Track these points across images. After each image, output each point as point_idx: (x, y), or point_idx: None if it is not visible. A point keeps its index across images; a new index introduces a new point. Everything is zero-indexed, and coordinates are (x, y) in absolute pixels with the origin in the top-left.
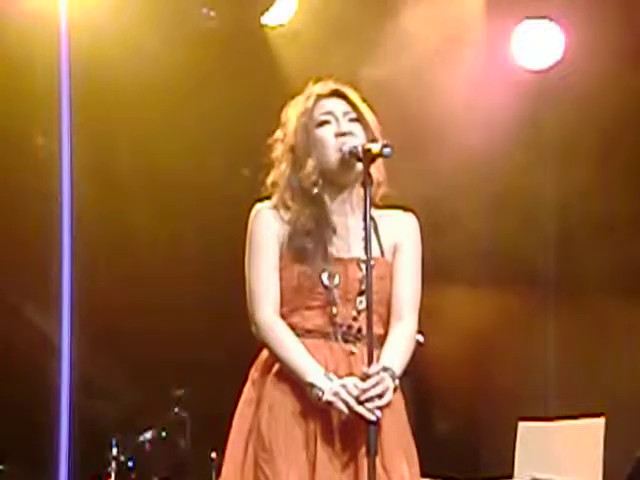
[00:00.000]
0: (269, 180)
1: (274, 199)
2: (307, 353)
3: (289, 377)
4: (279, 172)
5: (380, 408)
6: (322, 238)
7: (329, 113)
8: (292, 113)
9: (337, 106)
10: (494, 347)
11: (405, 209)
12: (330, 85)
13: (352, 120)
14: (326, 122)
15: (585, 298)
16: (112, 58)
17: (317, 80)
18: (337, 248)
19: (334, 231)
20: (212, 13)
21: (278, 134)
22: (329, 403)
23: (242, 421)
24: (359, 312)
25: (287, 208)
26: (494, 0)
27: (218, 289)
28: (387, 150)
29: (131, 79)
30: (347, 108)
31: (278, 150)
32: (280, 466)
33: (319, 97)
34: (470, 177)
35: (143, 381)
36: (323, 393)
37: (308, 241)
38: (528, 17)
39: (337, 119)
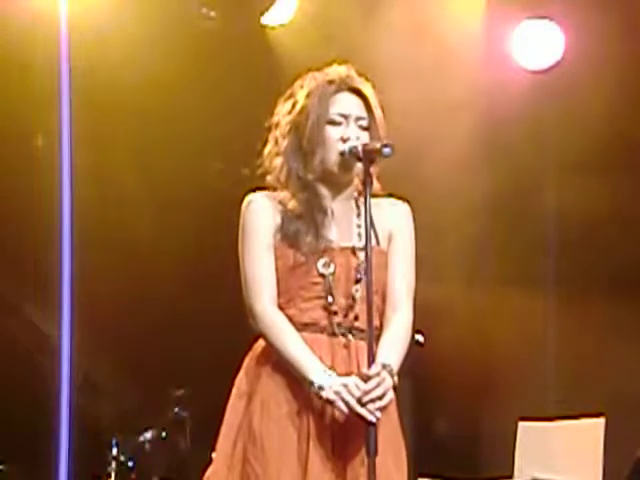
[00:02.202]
0: (266, 149)
1: (269, 178)
2: (307, 348)
3: (285, 372)
4: (279, 149)
5: (380, 409)
6: (314, 221)
7: (343, 116)
8: (306, 94)
9: (353, 109)
10: (494, 347)
11: (398, 197)
12: (352, 77)
13: (362, 128)
14: (338, 123)
15: (585, 298)
16: (112, 58)
17: (341, 63)
18: (332, 237)
19: (326, 213)
20: (212, 13)
21: (287, 105)
22: (329, 401)
23: (233, 415)
24: (354, 300)
25: (282, 188)
26: (494, 0)
27: (218, 289)
28: (387, 150)
29: (131, 79)
30: (362, 112)
31: (282, 120)
32: (271, 464)
33: (340, 88)
34: (470, 177)
35: (143, 381)
36: (323, 390)
37: (300, 225)
38: (528, 17)
39: (348, 124)
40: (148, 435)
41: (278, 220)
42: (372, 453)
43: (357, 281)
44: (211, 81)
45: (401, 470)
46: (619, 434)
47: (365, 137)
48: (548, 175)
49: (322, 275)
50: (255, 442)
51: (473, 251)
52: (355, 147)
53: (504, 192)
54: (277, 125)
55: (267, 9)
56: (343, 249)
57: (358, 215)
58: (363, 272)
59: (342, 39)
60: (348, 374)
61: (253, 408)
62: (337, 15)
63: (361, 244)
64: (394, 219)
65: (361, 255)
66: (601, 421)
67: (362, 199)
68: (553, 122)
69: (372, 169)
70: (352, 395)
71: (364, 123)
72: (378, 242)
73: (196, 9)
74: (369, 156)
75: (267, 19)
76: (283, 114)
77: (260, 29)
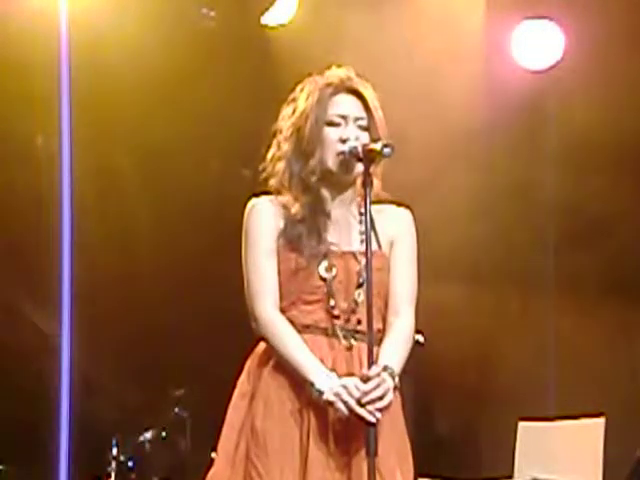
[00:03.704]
0: (269, 154)
1: (272, 182)
2: (308, 350)
3: (286, 371)
4: (281, 153)
5: (380, 409)
6: (316, 225)
7: (342, 117)
8: (305, 97)
9: (352, 109)
10: (494, 347)
11: (399, 204)
12: (351, 78)
13: (362, 128)
14: (336, 123)
15: (585, 298)
16: (112, 58)
17: (339, 65)
18: (334, 241)
19: (328, 217)
20: (212, 13)
21: (288, 110)
22: (329, 403)
23: (235, 414)
24: (357, 304)
25: (285, 192)
26: (494, 0)
27: (219, 289)
28: (387, 150)
29: (131, 79)
30: (361, 113)
31: (284, 125)
32: (274, 463)
33: (338, 90)
34: (470, 177)
35: (143, 381)
36: (323, 392)
37: (302, 228)
38: (528, 17)
39: (347, 124)
40: (148, 435)
41: (281, 224)
42: (372, 453)
43: (359, 285)
44: (211, 81)
45: (406, 471)
46: (619, 434)
47: (365, 137)
48: (548, 175)
49: (324, 279)
50: (258, 441)
51: (473, 251)
52: (355, 147)
53: (504, 192)
54: (280, 130)
55: (267, 9)
56: (344, 253)
57: (360, 222)
58: (365, 276)
59: (342, 39)
60: (350, 375)
61: (255, 407)
62: (337, 15)
63: (363, 248)
64: (396, 225)
65: (363, 259)
66: (601, 421)
67: (364, 204)
68: (553, 122)
69: (372, 169)
70: (351, 396)
71: (363, 123)
72: (380, 246)
73: (196, 9)
74: (369, 156)
75: (267, 19)
76: (285, 118)
77: (260, 29)
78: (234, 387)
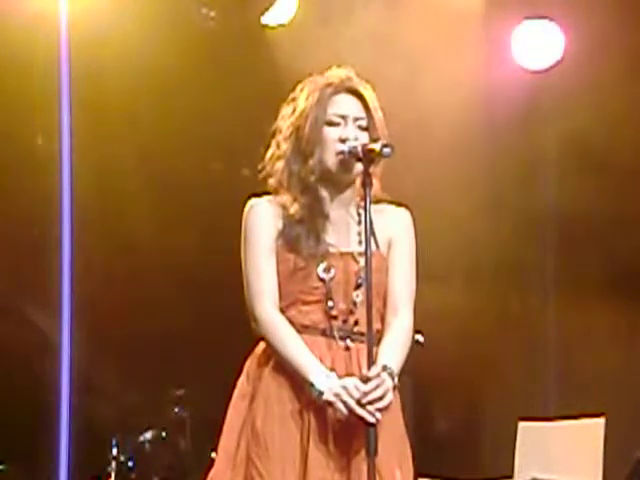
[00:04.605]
0: (268, 154)
1: (271, 181)
2: (308, 350)
3: (286, 372)
4: (280, 152)
5: (380, 410)
6: (314, 226)
7: (341, 116)
8: (305, 97)
9: (351, 109)
10: (494, 347)
11: (398, 204)
12: (351, 78)
13: (361, 128)
14: (336, 123)
15: (585, 298)
16: (112, 58)
17: (339, 65)
18: (333, 242)
19: (327, 218)
20: (212, 13)
21: (288, 110)
22: (329, 403)
23: (235, 415)
24: (355, 305)
25: (283, 191)
26: (494, 0)
27: (218, 290)
28: (387, 150)
29: (131, 79)
30: (360, 113)
31: (283, 125)
32: (275, 463)
33: (337, 90)
34: (470, 177)
35: (143, 381)
36: (323, 393)
37: (301, 229)
38: (528, 17)
39: (347, 124)
40: (148, 435)
41: (280, 225)
42: (372, 453)
43: (358, 286)
44: (211, 81)
45: (406, 471)
46: (619, 434)
47: (364, 137)
48: (548, 175)
49: (322, 280)
50: (258, 441)
51: (473, 251)
52: (355, 147)
53: (504, 192)
54: (279, 130)
55: (267, 9)
56: (343, 254)
57: (359, 222)
58: (364, 277)
59: (342, 39)
60: (349, 376)
61: (256, 408)
62: (337, 15)
63: (361, 249)
64: (394, 225)
65: (361, 260)
66: (601, 421)
67: (363, 204)
68: (553, 122)
69: (372, 169)
70: (351, 397)
71: (363, 123)
72: (378, 247)
73: (196, 9)
74: (368, 156)
75: (267, 19)
76: (285, 118)
77: (260, 29)
78: (234, 387)
